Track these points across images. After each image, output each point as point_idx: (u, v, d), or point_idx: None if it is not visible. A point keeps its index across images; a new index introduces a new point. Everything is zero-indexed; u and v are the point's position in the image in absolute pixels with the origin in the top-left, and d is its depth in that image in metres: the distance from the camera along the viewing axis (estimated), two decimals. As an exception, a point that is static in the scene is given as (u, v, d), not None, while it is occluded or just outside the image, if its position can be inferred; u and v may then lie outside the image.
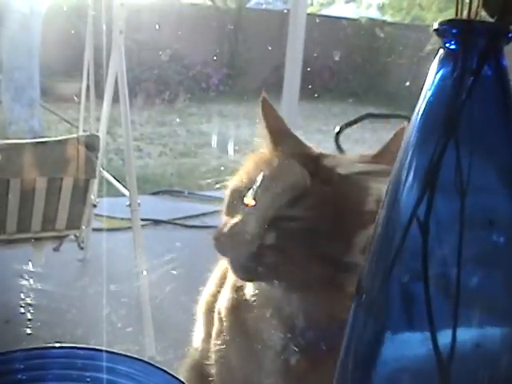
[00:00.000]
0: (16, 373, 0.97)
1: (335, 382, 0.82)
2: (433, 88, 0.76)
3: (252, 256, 1.10)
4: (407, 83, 13.46)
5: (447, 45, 0.74)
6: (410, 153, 0.76)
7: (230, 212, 1.20)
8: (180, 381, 0.95)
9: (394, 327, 0.77)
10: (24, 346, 0.99)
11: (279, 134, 1.30)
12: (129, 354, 1.00)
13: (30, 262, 4.22)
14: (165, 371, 0.97)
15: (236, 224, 1.13)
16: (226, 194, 1.25)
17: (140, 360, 1.00)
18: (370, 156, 1.21)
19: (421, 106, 0.76)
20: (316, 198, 1.11)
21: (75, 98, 5.88)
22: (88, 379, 0.96)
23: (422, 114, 0.76)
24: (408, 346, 0.77)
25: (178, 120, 10.36)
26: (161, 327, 3.98)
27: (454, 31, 0.73)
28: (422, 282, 0.73)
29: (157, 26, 11.34)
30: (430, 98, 0.76)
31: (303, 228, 1.10)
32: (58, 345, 1.01)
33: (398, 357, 0.77)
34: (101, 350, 1.00)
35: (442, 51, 0.75)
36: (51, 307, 3.90)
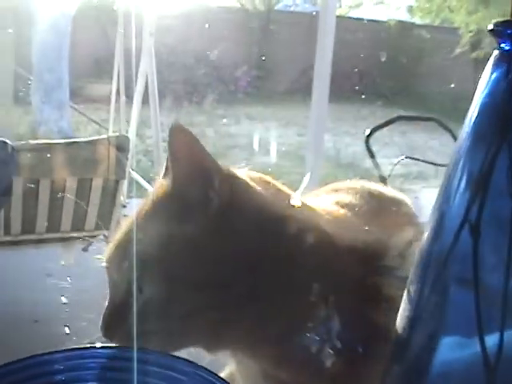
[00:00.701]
0: (55, 374, 0.96)
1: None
2: (486, 90, 0.73)
3: None
4: (451, 85, 13.43)
5: (502, 46, 0.71)
6: (463, 156, 0.74)
7: None
8: (212, 373, 0.95)
9: (444, 331, 0.76)
10: (53, 347, 0.98)
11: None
12: (166, 353, 0.99)
13: (58, 262, 4.23)
14: (201, 367, 0.97)
15: None
16: None
17: (178, 358, 0.99)
18: None
19: (474, 108, 0.74)
20: None
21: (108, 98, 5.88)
22: (128, 379, 0.95)
23: (476, 117, 0.74)
24: (457, 349, 0.76)
25: (205, 121, 10.39)
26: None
27: (509, 32, 0.70)
28: (471, 285, 0.71)
29: (185, 29, 11.36)
30: (483, 101, 0.74)
31: None
32: (98, 345, 1.01)
33: (447, 361, 0.75)
34: (142, 351, 0.99)
35: (496, 53, 0.72)
36: (79, 307, 3.91)
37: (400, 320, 0.80)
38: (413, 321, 0.78)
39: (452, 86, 13.61)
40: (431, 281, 0.75)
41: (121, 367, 0.97)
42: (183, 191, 1.06)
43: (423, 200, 7.77)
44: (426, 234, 0.77)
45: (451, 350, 0.75)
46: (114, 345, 1.02)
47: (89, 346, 1.00)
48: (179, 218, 1.02)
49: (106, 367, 0.98)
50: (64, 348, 0.97)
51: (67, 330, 3.03)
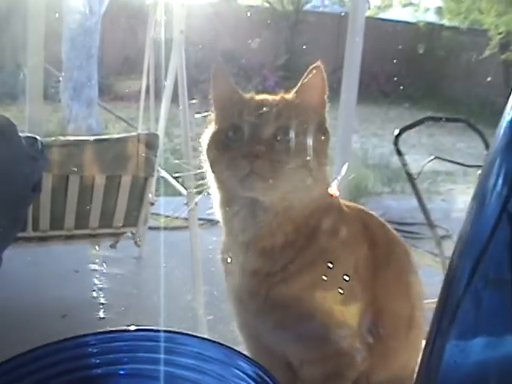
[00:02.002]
0: (90, 356, 0.97)
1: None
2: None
3: None
4: (479, 87, 13.36)
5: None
6: (499, 154, 0.74)
7: None
8: (242, 354, 0.98)
9: (478, 331, 0.76)
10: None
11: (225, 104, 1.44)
12: (195, 334, 1.01)
13: (88, 257, 4.27)
14: (227, 347, 1.00)
15: None
16: None
17: (203, 338, 1.02)
18: (291, 93, 1.40)
19: (509, 108, 0.74)
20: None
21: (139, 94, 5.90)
22: (160, 360, 0.97)
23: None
24: (490, 349, 0.76)
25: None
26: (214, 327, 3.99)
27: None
28: (507, 284, 0.72)
29: (214, 28, 11.39)
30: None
31: None
32: (132, 327, 1.02)
33: (481, 361, 0.75)
34: (174, 332, 1.01)
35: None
36: (108, 302, 3.93)
37: (435, 319, 0.80)
38: (448, 319, 0.78)
39: (480, 87, 13.54)
40: (466, 278, 0.75)
41: (153, 348, 0.99)
42: (221, 121, 1.41)
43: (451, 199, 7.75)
44: (461, 231, 0.78)
45: (484, 349, 0.76)
46: (146, 327, 1.04)
47: (122, 328, 1.01)
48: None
49: (140, 349, 0.99)
50: (99, 331, 0.98)
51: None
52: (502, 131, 0.75)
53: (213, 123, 1.44)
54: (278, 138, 1.32)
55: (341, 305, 1.37)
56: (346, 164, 1.30)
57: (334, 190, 1.39)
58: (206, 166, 1.41)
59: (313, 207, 1.38)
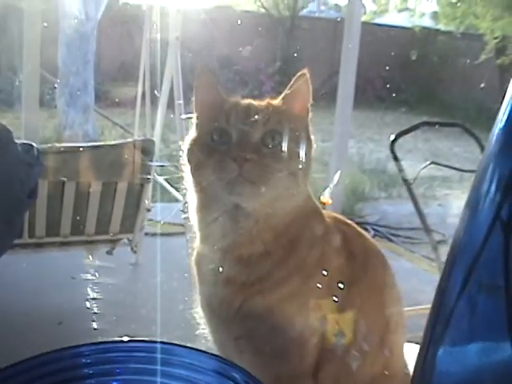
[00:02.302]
0: (83, 367, 0.97)
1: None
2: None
3: None
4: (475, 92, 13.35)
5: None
6: (493, 160, 0.74)
7: None
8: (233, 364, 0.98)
9: (472, 337, 0.76)
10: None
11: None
12: (188, 345, 1.01)
13: (83, 264, 4.26)
14: (220, 358, 1.00)
15: None
16: None
17: (196, 349, 1.02)
18: (278, 99, 1.42)
19: (503, 113, 0.74)
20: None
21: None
22: (153, 371, 0.96)
23: (505, 122, 0.74)
24: (485, 355, 0.76)
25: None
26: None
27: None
28: (501, 290, 0.72)
29: (210, 33, 11.39)
30: (512, 107, 0.74)
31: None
32: (126, 339, 1.02)
33: (476, 366, 0.75)
34: (167, 343, 1.01)
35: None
36: (102, 311, 3.92)
37: (428, 325, 0.80)
38: (442, 326, 0.78)
39: (476, 92, 13.55)
40: (460, 285, 0.75)
41: (147, 359, 0.99)
42: (204, 124, 1.40)
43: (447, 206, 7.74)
44: (455, 236, 0.78)
45: (479, 355, 0.75)
46: (140, 338, 1.04)
47: (116, 339, 1.01)
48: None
49: (133, 360, 0.99)
50: (92, 342, 0.98)
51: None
52: (494, 137, 0.76)
53: (194, 126, 1.44)
54: (266, 143, 1.32)
55: (315, 318, 1.36)
56: (339, 172, 1.32)
57: (326, 197, 1.38)
58: (186, 170, 1.40)
59: (294, 215, 1.38)
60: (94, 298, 3.57)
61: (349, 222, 1.55)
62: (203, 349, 1.04)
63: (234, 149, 1.31)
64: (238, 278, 1.36)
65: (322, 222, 1.44)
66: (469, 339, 0.76)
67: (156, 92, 5.12)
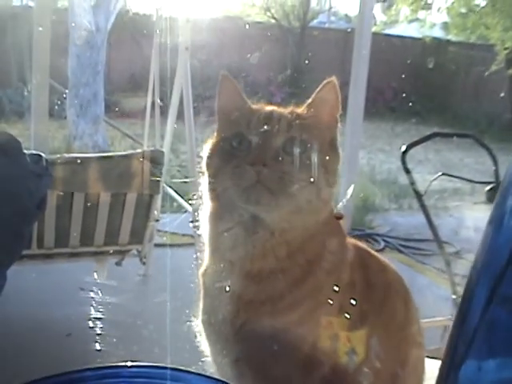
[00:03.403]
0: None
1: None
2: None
3: None
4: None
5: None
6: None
7: None
8: None
9: (494, 352, 0.74)
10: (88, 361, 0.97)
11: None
12: (191, 370, 0.98)
13: (93, 275, 4.24)
14: None
15: None
16: None
17: (200, 374, 0.99)
18: (302, 107, 1.37)
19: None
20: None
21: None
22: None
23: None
24: (505, 371, 0.74)
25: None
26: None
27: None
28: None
29: (220, 44, 11.41)
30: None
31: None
32: (129, 363, 0.99)
33: (504, 378, 0.73)
34: (170, 368, 0.98)
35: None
36: (113, 321, 3.90)
37: (451, 341, 0.78)
38: (465, 343, 0.75)
39: (487, 103, 13.53)
40: (484, 302, 0.73)
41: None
42: (225, 130, 1.37)
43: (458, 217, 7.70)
44: (478, 252, 0.75)
45: (502, 370, 0.73)
46: (145, 363, 1.01)
47: (119, 364, 0.98)
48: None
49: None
50: (96, 365, 0.96)
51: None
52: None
53: (215, 133, 1.41)
54: (287, 151, 1.27)
55: (323, 346, 1.30)
56: (352, 186, 1.28)
57: (340, 212, 1.33)
58: (203, 177, 1.36)
59: (314, 232, 1.32)
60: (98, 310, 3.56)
61: (374, 253, 1.49)
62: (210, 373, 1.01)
63: (253, 155, 1.26)
64: (244, 294, 1.29)
65: (343, 245, 1.38)
66: (493, 356, 0.74)
67: (159, 101, 5.11)
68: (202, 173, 1.36)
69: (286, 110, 1.36)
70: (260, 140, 1.28)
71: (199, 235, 1.40)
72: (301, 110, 1.36)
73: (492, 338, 0.73)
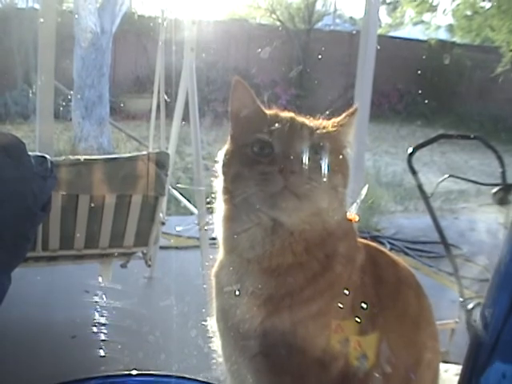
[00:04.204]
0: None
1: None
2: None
3: None
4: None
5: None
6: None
7: None
8: None
9: None
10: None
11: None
12: (194, 378, 0.97)
13: (98, 278, 4.23)
14: None
15: None
16: None
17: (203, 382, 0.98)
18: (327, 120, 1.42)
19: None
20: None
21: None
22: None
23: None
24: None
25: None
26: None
27: None
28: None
29: (226, 46, 11.41)
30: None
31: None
32: (134, 372, 0.98)
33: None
34: (174, 376, 0.97)
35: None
36: (118, 326, 3.89)
37: (472, 345, 0.76)
38: (485, 346, 0.74)
39: (493, 104, 13.51)
40: (507, 307, 0.71)
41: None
42: (242, 136, 1.38)
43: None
44: (500, 258, 0.74)
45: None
46: (150, 372, 1.00)
47: (124, 373, 0.97)
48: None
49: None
50: (101, 374, 0.94)
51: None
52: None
53: (229, 138, 1.40)
54: (311, 157, 1.29)
55: (339, 340, 1.31)
56: (366, 186, 1.30)
57: (353, 214, 1.37)
58: (217, 181, 1.37)
59: (330, 231, 1.34)
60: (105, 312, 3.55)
61: (383, 250, 1.53)
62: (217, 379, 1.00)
63: (279, 161, 1.28)
64: (263, 290, 1.31)
65: (355, 243, 1.42)
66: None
67: (166, 97, 5.09)
68: (217, 177, 1.37)
69: (305, 118, 1.38)
70: (285, 147, 1.30)
71: (212, 238, 1.41)
72: (325, 121, 1.41)
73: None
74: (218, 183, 1.38)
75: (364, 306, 1.31)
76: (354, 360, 1.30)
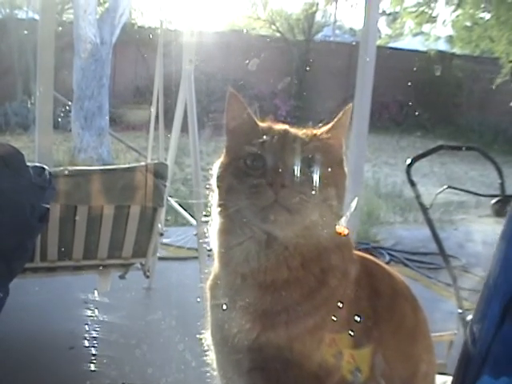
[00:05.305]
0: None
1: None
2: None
3: None
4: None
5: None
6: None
7: None
8: None
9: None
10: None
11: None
12: None
13: (96, 288, 4.23)
14: None
15: None
16: None
17: None
18: (321, 129, 1.40)
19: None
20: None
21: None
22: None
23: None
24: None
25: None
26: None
27: None
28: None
29: (225, 58, 11.42)
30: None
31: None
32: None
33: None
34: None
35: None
36: (115, 339, 3.89)
37: (462, 357, 0.76)
38: (475, 358, 0.73)
39: (492, 115, 13.52)
40: (498, 318, 0.71)
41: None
42: (236, 149, 1.37)
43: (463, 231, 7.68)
44: (491, 268, 0.74)
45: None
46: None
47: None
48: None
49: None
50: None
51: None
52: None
53: (224, 151, 1.40)
54: (303, 170, 1.29)
55: (335, 353, 1.31)
56: (356, 199, 1.29)
57: (343, 227, 1.36)
58: (212, 194, 1.37)
59: (326, 245, 1.33)
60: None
61: (378, 262, 1.52)
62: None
63: (270, 174, 1.28)
64: (258, 305, 1.30)
65: (351, 256, 1.41)
66: (508, 374, 0.72)
67: (152, 109, 5.09)
68: (212, 190, 1.37)
69: (299, 131, 1.38)
70: (276, 160, 1.30)
71: (209, 250, 1.41)
72: (317, 131, 1.39)
73: (508, 355, 0.71)
74: (214, 196, 1.38)
75: (359, 319, 1.31)
76: (348, 374, 1.29)
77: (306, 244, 1.30)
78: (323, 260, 1.32)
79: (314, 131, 1.39)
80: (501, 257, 0.72)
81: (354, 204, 1.36)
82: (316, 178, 1.29)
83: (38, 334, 4.16)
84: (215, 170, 1.39)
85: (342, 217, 1.36)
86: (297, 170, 1.28)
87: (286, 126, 1.40)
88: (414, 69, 14.63)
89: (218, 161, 1.41)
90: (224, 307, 1.36)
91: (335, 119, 1.39)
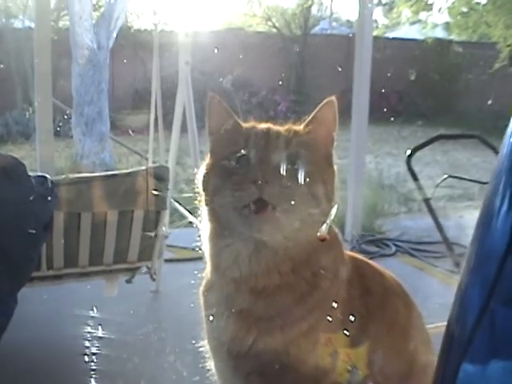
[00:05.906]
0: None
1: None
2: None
3: None
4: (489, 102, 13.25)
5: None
6: (505, 174, 0.70)
7: None
8: None
9: (496, 356, 0.72)
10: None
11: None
12: None
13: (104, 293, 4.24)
14: None
15: None
16: None
17: None
18: (301, 125, 1.42)
19: (512, 129, 0.70)
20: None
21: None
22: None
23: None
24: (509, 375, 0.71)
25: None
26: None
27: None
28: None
29: (222, 55, 11.40)
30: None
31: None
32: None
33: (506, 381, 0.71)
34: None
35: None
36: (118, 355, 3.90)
37: (445, 345, 0.76)
38: (461, 346, 0.74)
39: (492, 101, 13.48)
40: (480, 300, 0.71)
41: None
42: (220, 150, 1.40)
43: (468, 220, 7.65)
44: (469, 253, 0.74)
45: (504, 374, 0.71)
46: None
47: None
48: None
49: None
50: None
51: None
52: (504, 151, 0.71)
53: (208, 155, 1.41)
54: (286, 167, 1.29)
55: (330, 354, 1.31)
56: (336, 206, 1.29)
57: (324, 233, 1.35)
58: (201, 199, 1.37)
59: (316, 246, 1.34)
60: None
61: (368, 261, 1.53)
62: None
63: (254, 172, 1.28)
64: (252, 311, 1.31)
65: (341, 255, 1.42)
66: (492, 357, 0.72)
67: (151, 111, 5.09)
68: (199, 194, 1.37)
69: (282, 128, 1.38)
70: (260, 157, 1.31)
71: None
72: (299, 127, 1.38)
73: (494, 339, 0.72)
74: (201, 200, 1.38)
75: (352, 318, 1.31)
76: (345, 372, 1.30)
77: (295, 245, 1.30)
78: (314, 263, 1.33)
79: (296, 127, 1.40)
80: (480, 236, 0.73)
81: (333, 211, 1.36)
82: (301, 174, 1.29)
83: (47, 342, 4.17)
84: (201, 173, 1.39)
85: (330, 213, 1.35)
86: (281, 167, 1.28)
87: (269, 125, 1.42)
88: (413, 58, 14.63)
89: (202, 165, 1.43)
90: (218, 314, 1.36)
91: (313, 112, 1.40)
